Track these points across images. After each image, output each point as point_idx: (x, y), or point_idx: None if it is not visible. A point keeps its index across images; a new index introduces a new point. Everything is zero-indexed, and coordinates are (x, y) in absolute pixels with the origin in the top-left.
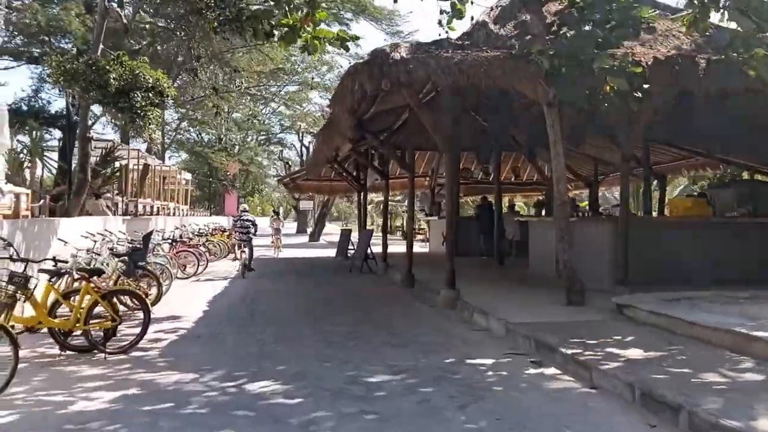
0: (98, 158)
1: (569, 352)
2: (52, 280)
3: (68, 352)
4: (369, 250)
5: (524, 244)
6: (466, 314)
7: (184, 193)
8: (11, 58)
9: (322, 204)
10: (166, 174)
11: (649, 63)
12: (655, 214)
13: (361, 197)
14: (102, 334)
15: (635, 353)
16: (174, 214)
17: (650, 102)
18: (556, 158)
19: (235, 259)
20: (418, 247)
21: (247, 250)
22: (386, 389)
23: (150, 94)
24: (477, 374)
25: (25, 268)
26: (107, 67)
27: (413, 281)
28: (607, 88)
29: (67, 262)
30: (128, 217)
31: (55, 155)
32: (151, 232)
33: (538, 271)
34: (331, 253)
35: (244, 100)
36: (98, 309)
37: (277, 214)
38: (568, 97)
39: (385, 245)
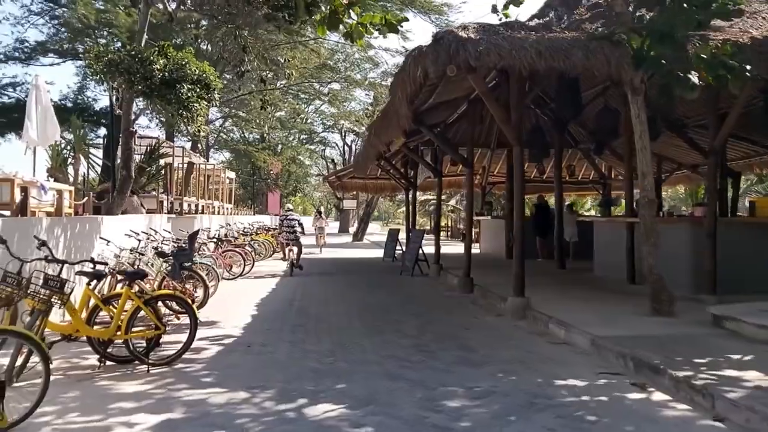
0: (143, 156)
1: (680, 374)
2: (92, 283)
3: (108, 363)
4: (421, 252)
5: (582, 245)
6: (540, 325)
7: (228, 191)
8: (56, 55)
9: (365, 203)
10: (210, 172)
11: (751, 44)
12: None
13: (410, 195)
14: (144, 343)
15: (758, 377)
16: (218, 213)
17: (747, 89)
18: (642, 152)
19: (283, 259)
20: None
21: (295, 248)
22: (471, 418)
23: (196, 87)
24: (571, 399)
25: (61, 270)
26: (152, 58)
27: (472, 286)
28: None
29: (107, 263)
30: (173, 216)
31: (100, 153)
32: (197, 231)
33: (606, 275)
34: (377, 253)
35: (288, 98)
36: (141, 314)
37: (321, 213)
38: (661, 77)
39: (437, 246)
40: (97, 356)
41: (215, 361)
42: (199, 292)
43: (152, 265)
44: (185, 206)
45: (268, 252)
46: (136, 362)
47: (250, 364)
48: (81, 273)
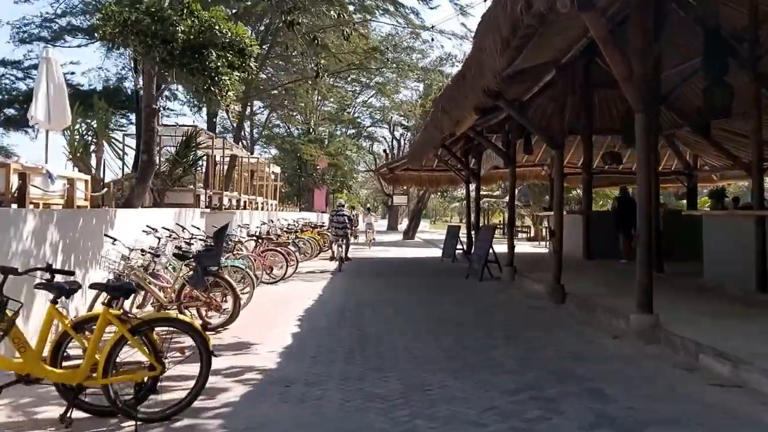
0: (179, 145)
1: None
2: (58, 300)
3: (83, 414)
4: (491, 252)
5: (671, 244)
6: (683, 354)
7: (273, 187)
8: (85, 36)
9: (417, 199)
10: (254, 167)
11: None
12: None
13: (470, 189)
14: (133, 389)
15: None
16: (262, 209)
17: None
18: None
19: (331, 258)
20: (529, 247)
21: (344, 244)
22: None
23: (228, 54)
24: None
25: (3, 281)
26: (174, 18)
27: (564, 295)
28: None
29: (73, 272)
30: (207, 211)
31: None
32: (225, 227)
33: (721, 281)
34: (433, 252)
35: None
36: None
37: (369, 210)
38: None
39: (511, 246)
40: (67, 407)
41: (237, 414)
42: (228, 303)
43: (172, 268)
44: (225, 201)
45: (314, 251)
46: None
47: (286, 420)
48: (38, 286)
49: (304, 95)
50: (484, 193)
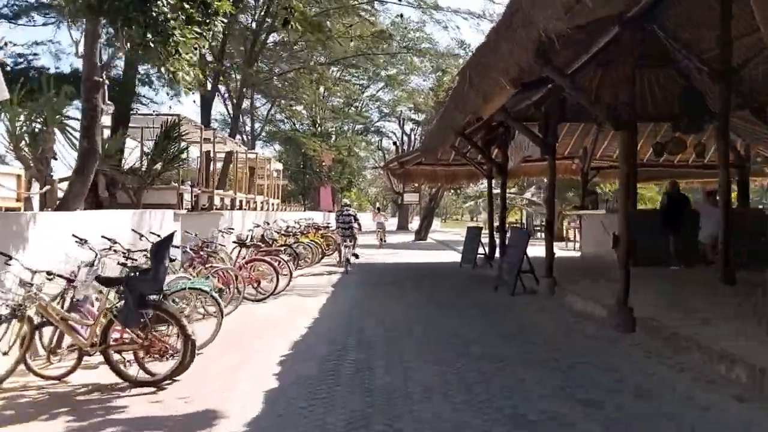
0: (157, 137)
1: None
2: None
3: None
4: (526, 259)
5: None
6: None
7: (275, 185)
8: (55, 13)
9: (429, 197)
10: (254, 163)
11: None
12: None
13: (492, 184)
14: None
15: None
16: (261, 209)
17: None
18: None
19: (339, 263)
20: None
21: (350, 243)
22: None
23: (186, 5)
24: None
25: None
26: None
27: (632, 322)
28: None
29: None
30: (183, 212)
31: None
32: (168, 238)
33: None
34: (449, 256)
35: (341, 79)
36: None
37: (380, 209)
38: None
39: (550, 252)
40: None
41: None
42: (178, 345)
43: (96, 299)
44: (217, 201)
45: (316, 255)
46: None
47: None
48: None
49: (307, 86)
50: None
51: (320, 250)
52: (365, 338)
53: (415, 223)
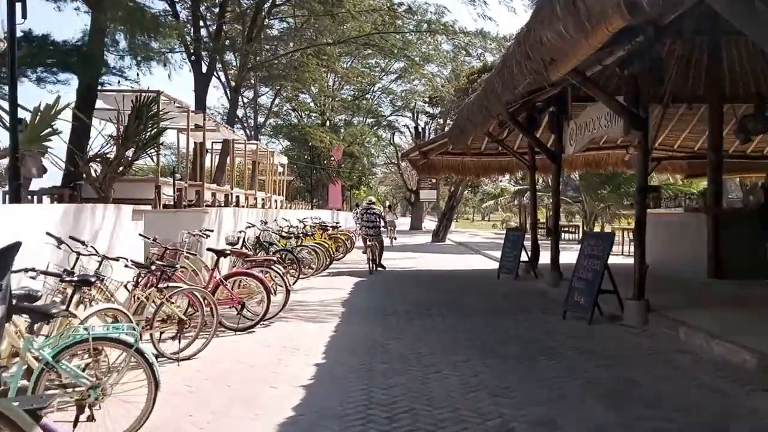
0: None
1: None
2: None
3: None
4: (606, 275)
5: None
6: None
7: (280, 181)
8: None
9: (449, 194)
10: (256, 156)
11: None
12: None
13: (535, 177)
14: None
15: None
16: (263, 207)
17: None
18: None
19: (366, 255)
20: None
21: (376, 247)
22: None
23: None
24: None
25: None
26: None
27: None
28: None
29: None
30: (147, 210)
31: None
32: (7, 251)
33: None
34: (474, 261)
35: (352, 67)
36: None
37: (391, 207)
38: None
39: (642, 265)
40: None
41: None
42: None
43: None
44: (208, 196)
45: (323, 262)
46: None
47: None
48: None
49: (314, 69)
50: (521, 186)
51: (329, 253)
52: (396, 405)
53: (427, 223)
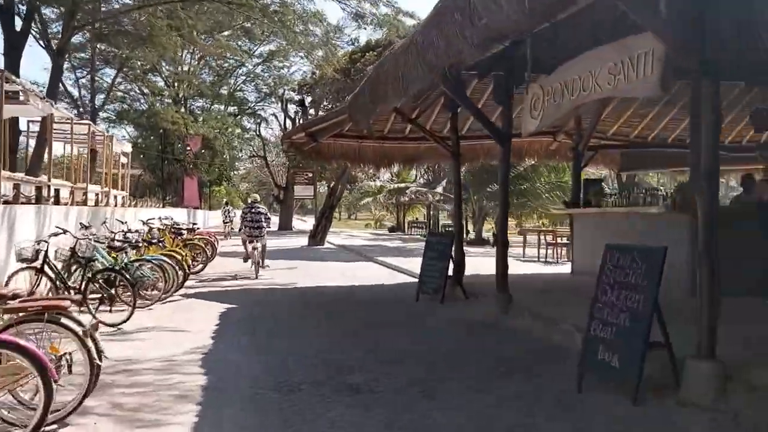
0: None
1: None
2: None
3: None
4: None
5: None
6: None
7: (124, 173)
8: None
9: (328, 191)
10: (89, 141)
11: None
12: None
13: (460, 168)
14: None
15: None
16: (101, 204)
17: None
18: None
19: (245, 259)
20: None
21: (259, 246)
22: None
23: None
24: None
25: None
26: None
27: None
28: None
29: None
30: None
31: None
32: None
33: None
34: (371, 272)
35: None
36: None
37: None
38: None
39: (709, 291)
40: None
41: None
42: None
43: None
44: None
45: (173, 280)
46: None
47: None
48: None
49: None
50: (403, 185)
51: (184, 267)
52: None
53: (299, 224)
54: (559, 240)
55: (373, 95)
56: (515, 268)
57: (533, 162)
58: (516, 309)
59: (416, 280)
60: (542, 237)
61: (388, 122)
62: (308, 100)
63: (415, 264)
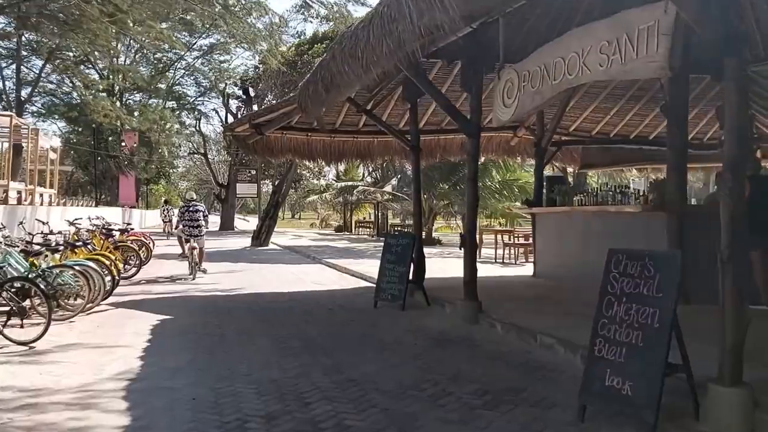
0: None
1: None
2: None
3: None
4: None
5: None
6: None
7: (51, 169)
8: None
9: (273, 189)
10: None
11: None
12: None
13: (419, 164)
14: None
15: None
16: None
17: None
18: None
19: (182, 255)
20: (494, 270)
21: (197, 246)
22: None
23: None
24: None
25: None
26: None
27: None
28: None
29: None
30: None
31: None
32: None
33: None
34: (315, 275)
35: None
36: None
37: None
38: None
39: (736, 307)
40: None
41: None
42: None
43: None
44: None
45: (99, 287)
46: None
47: None
48: None
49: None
50: (350, 184)
51: (112, 271)
52: None
53: (241, 223)
54: (516, 240)
55: (327, 80)
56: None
57: (492, 158)
58: (486, 319)
59: (370, 284)
60: (500, 237)
61: (341, 114)
62: (252, 94)
63: (366, 266)
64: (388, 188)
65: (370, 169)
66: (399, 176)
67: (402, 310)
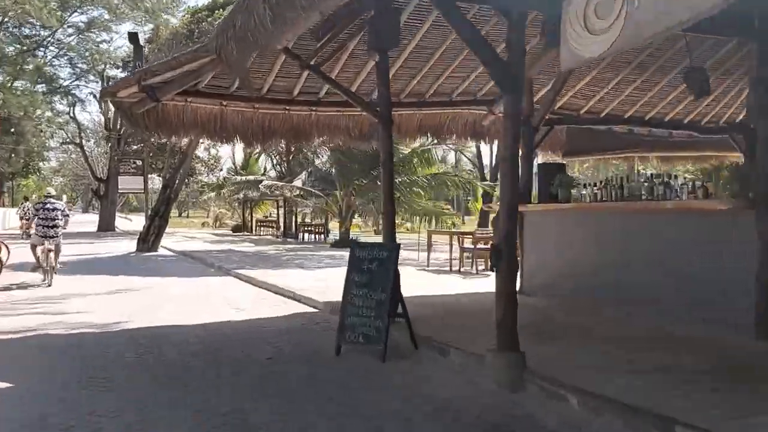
0: None
1: None
2: None
3: None
4: None
5: None
6: None
7: None
8: None
9: (163, 184)
10: None
11: None
12: None
13: (392, 142)
14: None
15: None
16: None
17: None
18: None
19: (36, 266)
20: (460, 283)
21: (53, 246)
22: None
23: None
24: None
25: None
26: None
27: None
28: None
29: None
30: None
31: None
32: None
33: None
34: (231, 293)
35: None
36: None
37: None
38: None
39: None
40: None
41: None
42: None
43: None
44: None
45: None
46: None
47: None
48: None
49: None
50: (252, 178)
51: None
52: None
53: (124, 223)
54: (479, 245)
55: (256, 19)
56: (429, 282)
57: (453, 142)
58: (536, 381)
59: (307, 307)
60: (457, 240)
61: (270, 75)
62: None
63: (291, 279)
64: (297, 183)
65: (274, 162)
66: (310, 170)
67: (382, 362)
